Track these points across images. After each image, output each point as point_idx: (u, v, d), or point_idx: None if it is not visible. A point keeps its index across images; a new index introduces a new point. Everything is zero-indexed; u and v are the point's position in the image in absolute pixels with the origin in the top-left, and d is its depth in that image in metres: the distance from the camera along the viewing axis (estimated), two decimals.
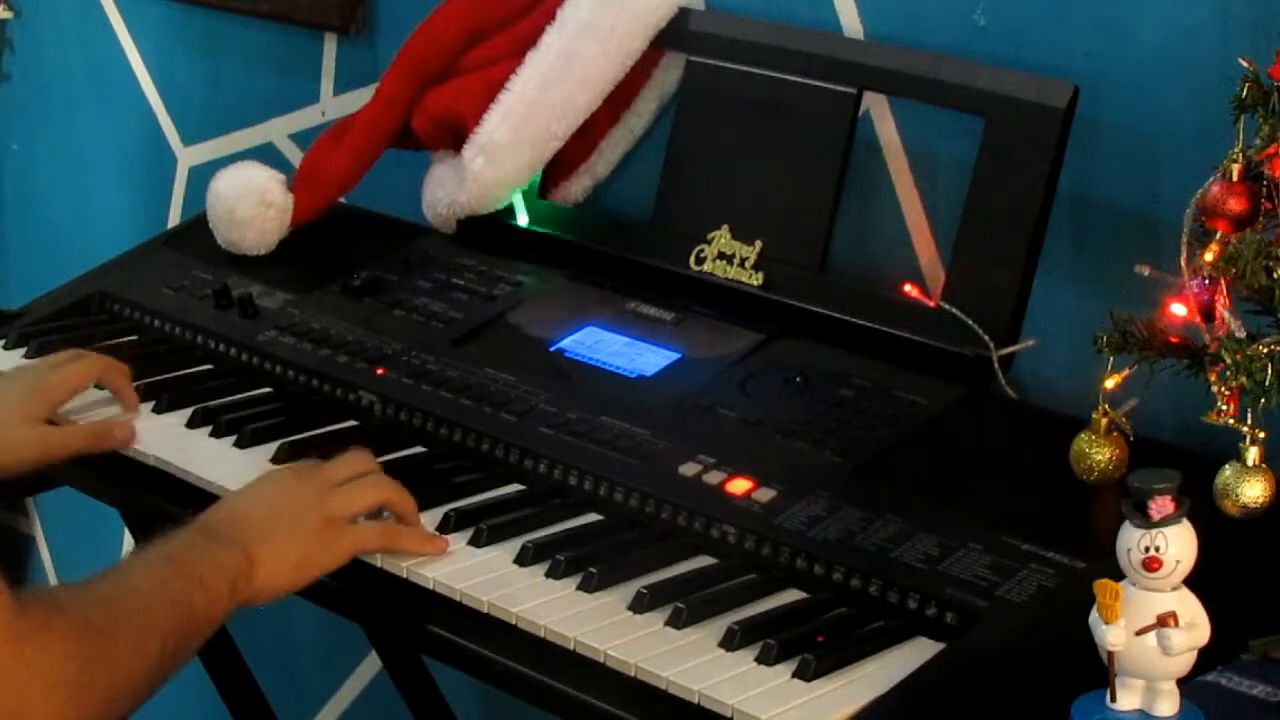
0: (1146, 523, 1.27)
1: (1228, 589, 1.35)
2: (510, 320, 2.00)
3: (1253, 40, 1.57)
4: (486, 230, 2.16)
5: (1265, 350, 1.48)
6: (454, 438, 1.82)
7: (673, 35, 2.08)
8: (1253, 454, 1.50)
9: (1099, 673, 1.29)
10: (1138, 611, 1.27)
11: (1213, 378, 1.49)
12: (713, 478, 1.67)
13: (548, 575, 1.58)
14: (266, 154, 2.64)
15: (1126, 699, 1.29)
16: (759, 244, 1.94)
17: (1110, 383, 1.59)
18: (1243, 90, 1.50)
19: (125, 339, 2.12)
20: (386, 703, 2.52)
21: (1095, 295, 1.77)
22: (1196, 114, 1.70)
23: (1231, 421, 1.50)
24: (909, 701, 1.40)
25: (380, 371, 1.93)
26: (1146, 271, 1.61)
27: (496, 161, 2.10)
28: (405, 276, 2.11)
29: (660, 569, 1.58)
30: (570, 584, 1.56)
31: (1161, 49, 1.75)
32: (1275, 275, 1.47)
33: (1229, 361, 1.49)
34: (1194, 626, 1.28)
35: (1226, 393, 1.49)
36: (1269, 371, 1.48)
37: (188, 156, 2.87)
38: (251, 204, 2.19)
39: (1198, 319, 1.54)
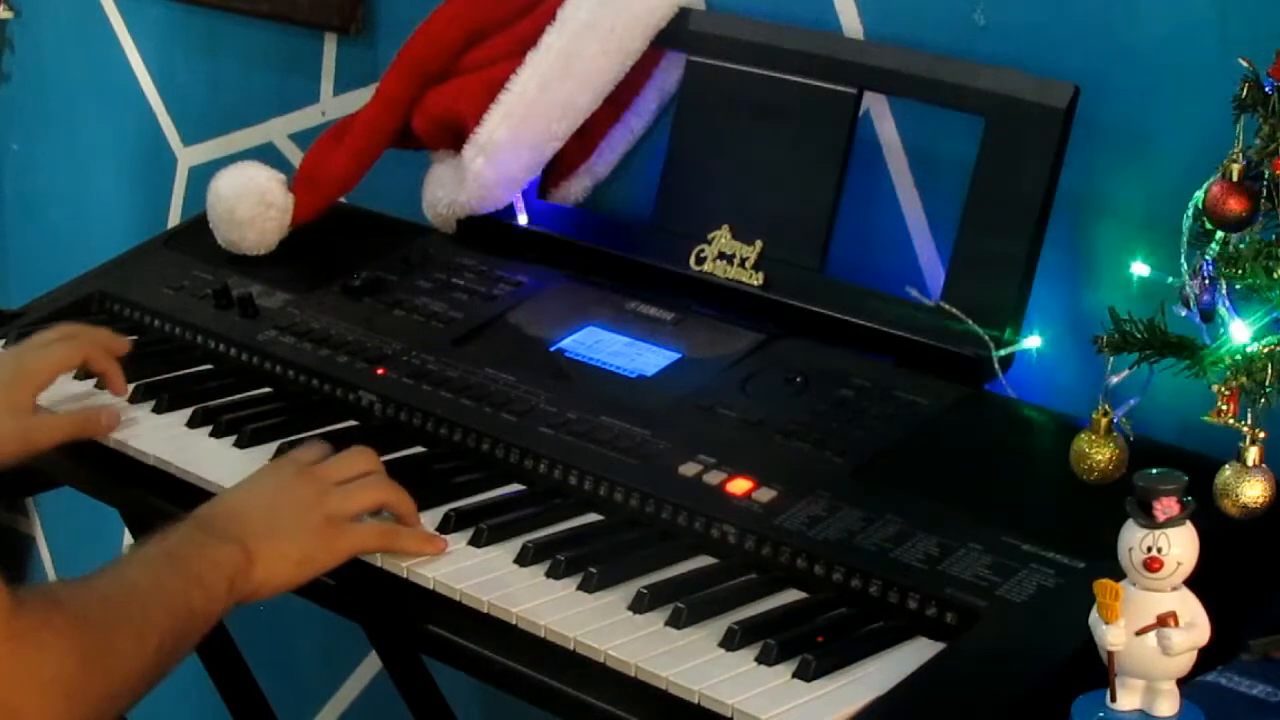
0: (1150, 523, 1.27)
1: (1228, 589, 1.35)
2: (510, 320, 2.00)
3: (1253, 40, 1.57)
4: (486, 230, 2.16)
5: (1265, 350, 1.48)
6: (454, 438, 1.82)
7: (673, 35, 2.08)
8: (1253, 454, 1.50)
9: (1099, 673, 1.29)
10: (1138, 611, 1.27)
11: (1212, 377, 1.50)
12: (713, 478, 1.67)
13: (548, 575, 1.58)
14: (266, 154, 2.64)
15: (1126, 699, 1.29)
16: (759, 244, 1.94)
17: (1110, 383, 1.59)
18: (1243, 90, 1.50)
19: (125, 339, 2.11)
20: (386, 703, 2.52)
21: (1095, 295, 1.77)
22: (1196, 114, 1.70)
23: (1231, 421, 1.50)
24: (909, 702, 1.40)
25: (380, 371, 1.93)
26: (1146, 271, 1.62)
27: (496, 161, 2.10)
28: (405, 276, 2.11)
29: (660, 569, 1.58)
30: (570, 584, 1.56)
31: (1161, 49, 1.75)
32: (1275, 275, 1.47)
33: (1229, 361, 1.49)
34: (1194, 626, 1.28)
35: (1226, 393, 1.49)
36: (1269, 371, 1.48)
37: (188, 156, 2.87)
38: (251, 204, 2.19)
39: (1198, 319, 1.54)
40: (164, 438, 1.87)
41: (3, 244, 3.33)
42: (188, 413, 1.90)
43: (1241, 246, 1.49)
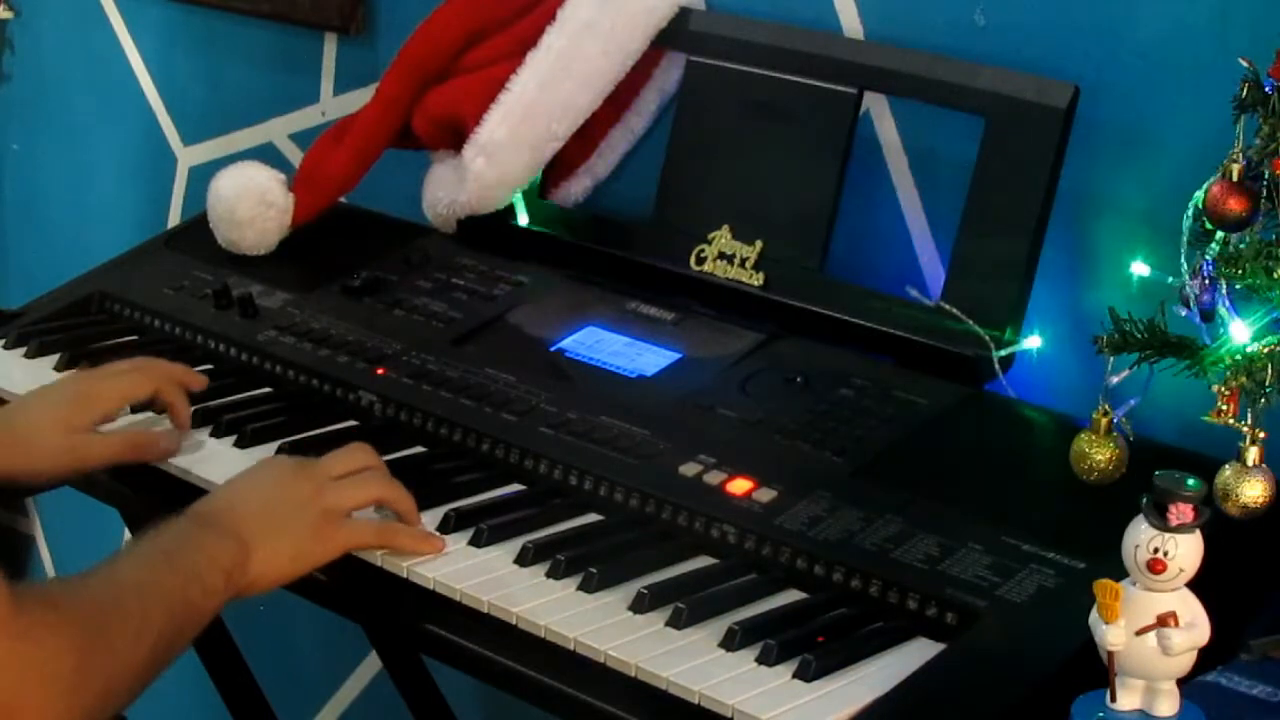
0: (1162, 525, 1.27)
1: (1228, 589, 1.35)
2: (510, 320, 2.00)
3: (1253, 40, 1.57)
4: (486, 230, 2.16)
5: (1265, 350, 1.48)
6: (454, 438, 1.82)
7: (673, 35, 2.08)
8: (1253, 454, 1.50)
9: (1099, 673, 1.29)
10: (1138, 611, 1.27)
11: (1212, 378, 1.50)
12: (713, 478, 1.67)
13: (548, 575, 1.58)
14: (266, 154, 2.64)
15: (1126, 699, 1.29)
16: (759, 244, 1.94)
17: (1110, 383, 1.59)
18: (1243, 90, 1.50)
19: (125, 339, 2.12)
20: (386, 703, 2.52)
21: (1095, 295, 1.77)
22: (1196, 114, 1.70)
23: (1231, 421, 1.50)
24: (909, 702, 1.40)
25: (380, 371, 1.93)
26: (1146, 271, 1.62)
27: (496, 161, 2.10)
28: (405, 276, 2.11)
29: (660, 569, 1.58)
30: (570, 584, 1.56)
31: (1161, 49, 1.75)
32: (1275, 275, 1.47)
33: (1229, 361, 1.49)
34: (1194, 626, 1.28)
35: (1226, 393, 1.49)
36: (1269, 371, 1.48)
37: (188, 156, 2.87)
38: (252, 204, 2.19)
39: (1198, 319, 1.54)
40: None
41: (3, 244, 3.33)
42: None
43: (1241, 246, 1.49)
